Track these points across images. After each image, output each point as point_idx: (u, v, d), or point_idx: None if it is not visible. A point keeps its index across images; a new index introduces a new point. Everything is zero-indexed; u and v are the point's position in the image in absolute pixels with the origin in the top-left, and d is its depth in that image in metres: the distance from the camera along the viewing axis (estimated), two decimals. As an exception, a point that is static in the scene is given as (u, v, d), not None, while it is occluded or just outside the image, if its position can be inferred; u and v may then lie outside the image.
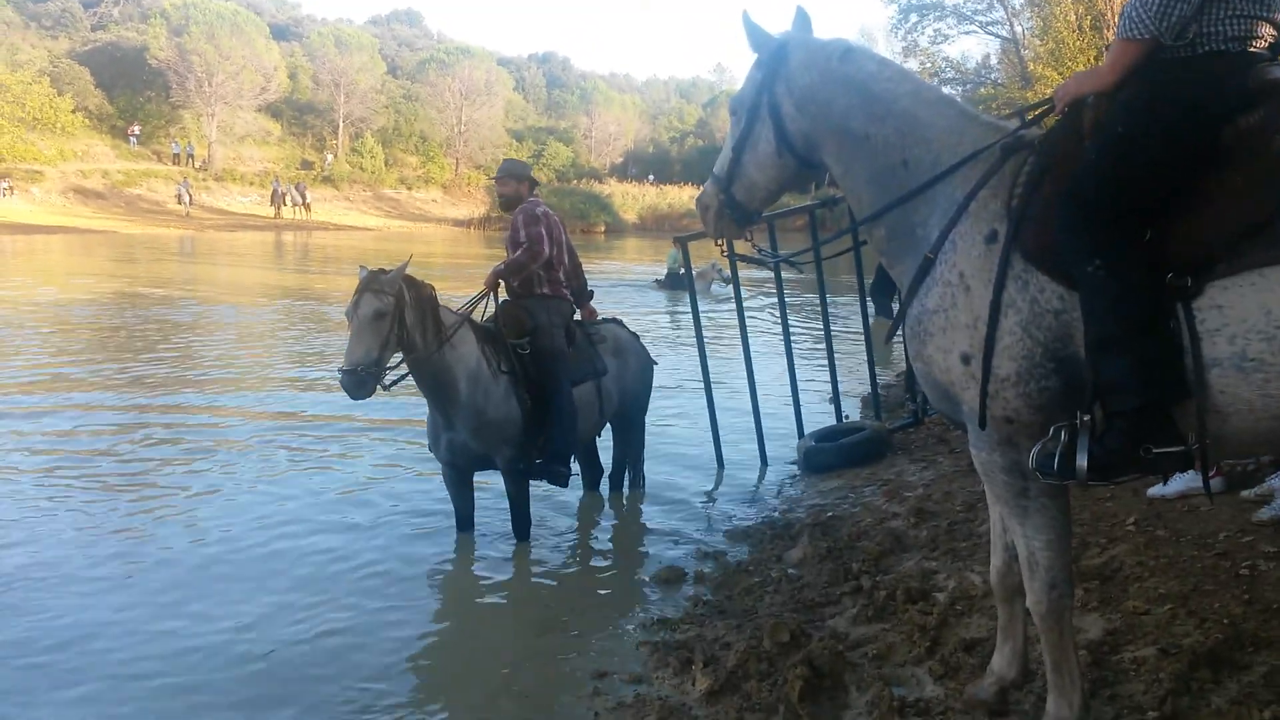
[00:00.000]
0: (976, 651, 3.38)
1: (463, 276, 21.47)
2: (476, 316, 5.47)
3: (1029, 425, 2.41)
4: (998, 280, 2.38)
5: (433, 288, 5.17)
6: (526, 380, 5.37)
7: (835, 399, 7.72)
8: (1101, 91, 2.41)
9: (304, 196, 44.11)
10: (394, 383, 5.02)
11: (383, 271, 4.92)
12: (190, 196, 41.68)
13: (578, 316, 5.98)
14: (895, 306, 9.58)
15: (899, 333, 2.74)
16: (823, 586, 4.39)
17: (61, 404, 8.60)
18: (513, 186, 5.69)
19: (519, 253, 5.45)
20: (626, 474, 6.45)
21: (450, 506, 5.56)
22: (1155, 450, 2.23)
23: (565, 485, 5.59)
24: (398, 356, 4.98)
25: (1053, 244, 2.34)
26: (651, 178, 58.64)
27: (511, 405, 5.27)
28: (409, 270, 5.02)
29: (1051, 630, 2.56)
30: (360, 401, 4.92)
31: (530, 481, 5.49)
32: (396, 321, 4.83)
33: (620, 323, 6.47)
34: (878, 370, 8.14)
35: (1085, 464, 2.27)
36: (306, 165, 51.76)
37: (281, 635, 4.26)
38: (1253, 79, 2.28)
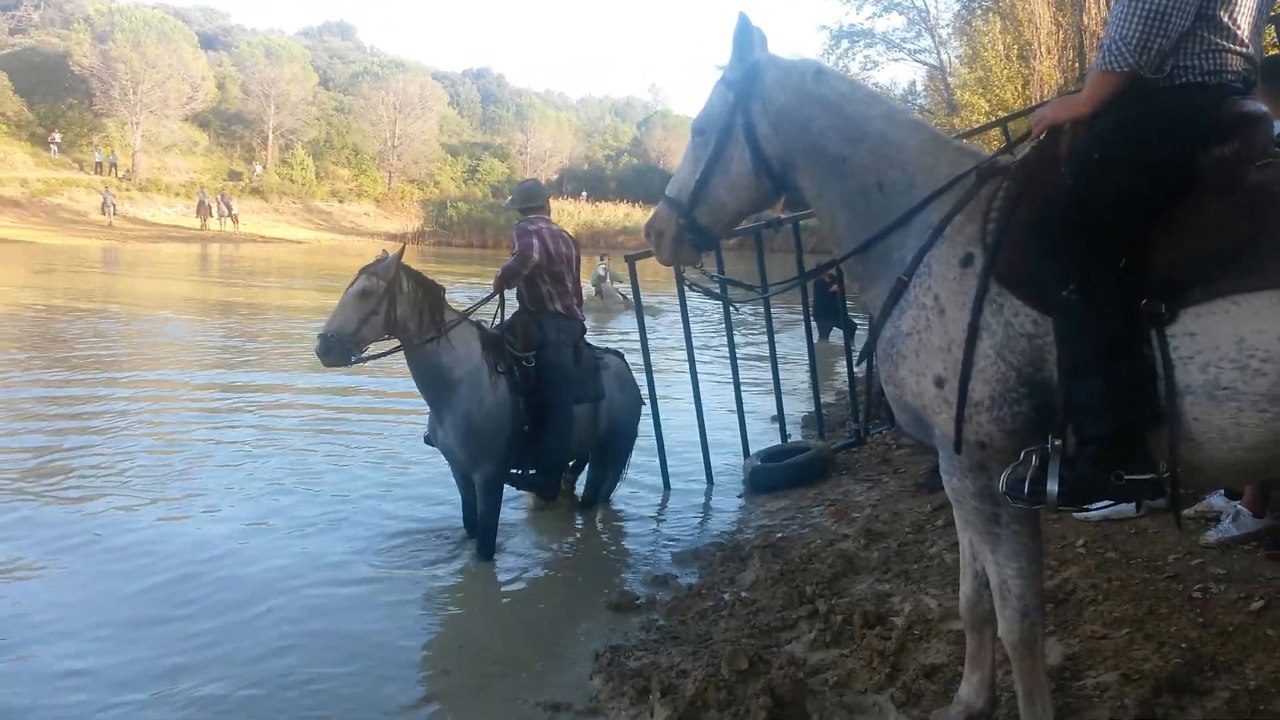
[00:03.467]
0: (937, 677, 3.35)
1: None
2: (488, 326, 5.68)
3: (1001, 451, 2.39)
4: (975, 304, 2.36)
5: (441, 286, 5.41)
6: (525, 392, 5.48)
7: (780, 418, 7.72)
8: (1078, 119, 2.41)
9: (230, 208, 43.03)
10: (364, 359, 5.21)
11: (382, 259, 5.24)
12: (114, 206, 40.41)
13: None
14: (834, 329, 9.74)
15: (858, 356, 2.71)
16: (777, 610, 4.34)
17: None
18: (513, 215, 6.03)
19: (511, 259, 5.68)
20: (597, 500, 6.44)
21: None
22: (1127, 476, 2.22)
23: (552, 499, 5.74)
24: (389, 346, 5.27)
25: (1027, 268, 2.33)
26: (586, 195, 58.58)
27: (504, 416, 5.35)
28: (417, 271, 5.35)
29: (1024, 659, 2.54)
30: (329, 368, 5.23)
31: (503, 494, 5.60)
32: (384, 303, 5.09)
33: (621, 355, 6.55)
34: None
35: (1056, 489, 2.25)
36: (234, 176, 50.62)
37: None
38: (1226, 111, 2.31)
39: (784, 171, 2.74)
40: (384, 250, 5.41)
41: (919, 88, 37.85)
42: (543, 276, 5.73)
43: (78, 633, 4.37)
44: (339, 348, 5.03)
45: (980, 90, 23.99)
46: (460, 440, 5.30)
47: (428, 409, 5.58)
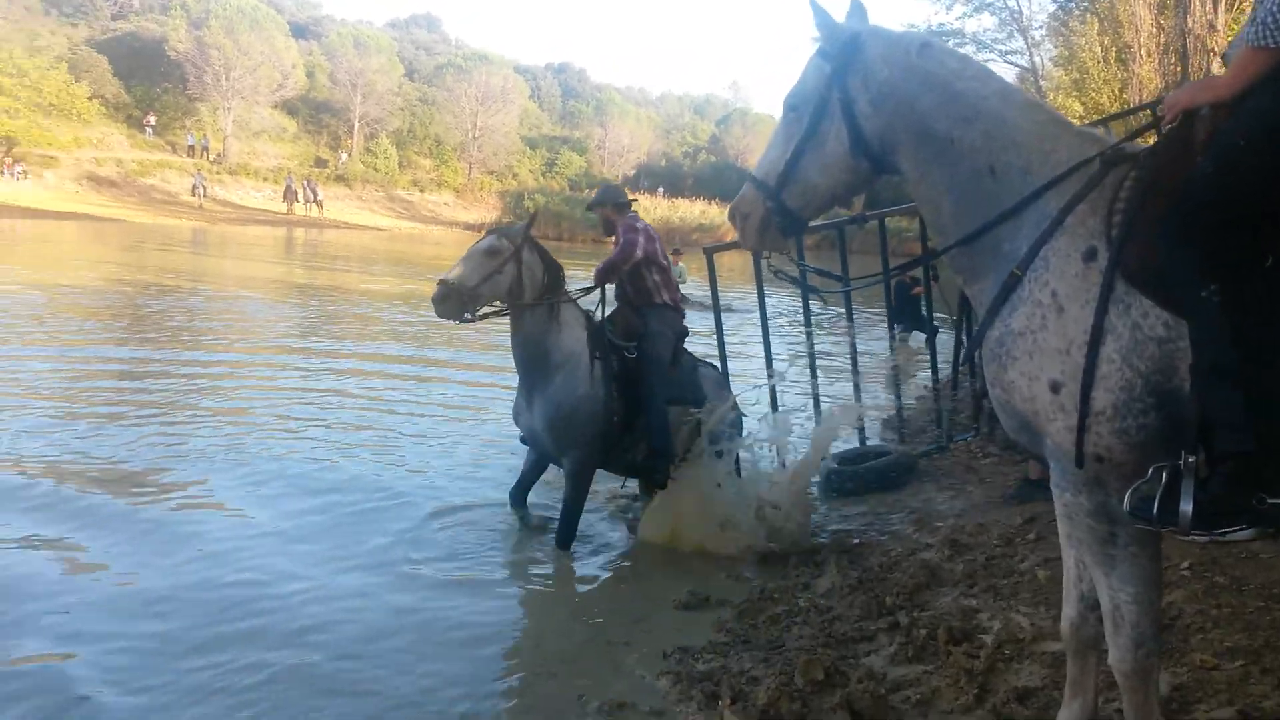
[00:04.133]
0: (1031, 702, 3.14)
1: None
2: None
3: (1122, 465, 2.18)
4: (1099, 303, 2.16)
5: (561, 265, 5.43)
6: (622, 382, 5.41)
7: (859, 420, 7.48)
8: (1220, 103, 2.19)
9: (316, 193, 44.02)
10: (473, 320, 5.16)
11: (514, 225, 5.29)
12: (205, 189, 41.62)
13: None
14: (914, 332, 9.44)
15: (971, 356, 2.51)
16: (855, 620, 4.15)
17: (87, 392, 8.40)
18: (601, 212, 5.94)
19: (614, 253, 5.67)
20: None
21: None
22: (1270, 500, 2.00)
23: (664, 485, 5.58)
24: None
25: (1160, 266, 2.12)
26: (662, 191, 58.49)
27: (596, 406, 5.26)
28: (542, 245, 5.39)
29: (1136, 690, 2.33)
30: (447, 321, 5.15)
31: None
32: (508, 265, 5.09)
33: (715, 368, 6.38)
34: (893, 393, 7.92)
35: (1190, 511, 2.04)
36: (321, 163, 51.74)
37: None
38: None
39: (884, 152, 2.54)
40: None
41: (1010, 90, 36.82)
42: (650, 268, 5.69)
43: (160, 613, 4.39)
44: (456, 299, 5.01)
45: (1075, 93, 23.20)
46: (547, 425, 5.23)
47: (516, 387, 5.53)
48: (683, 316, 5.92)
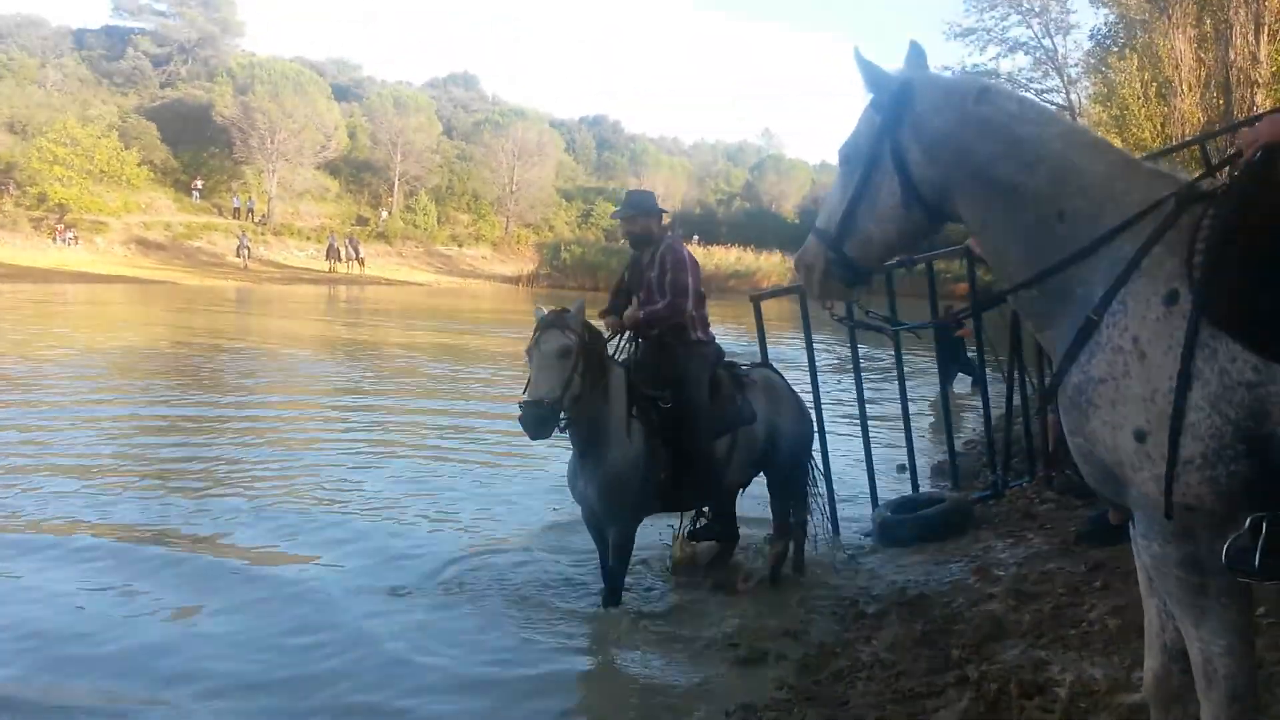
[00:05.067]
0: (1112, 759, 3.02)
1: (511, 329, 21.51)
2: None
3: (1212, 514, 2.11)
4: (1185, 348, 2.09)
5: (603, 335, 5.09)
6: (664, 436, 5.06)
7: (911, 467, 7.36)
8: None
9: (358, 251, 44.75)
10: (568, 424, 4.81)
11: (565, 310, 4.83)
12: (249, 250, 42.50)
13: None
14: (958, 374, 9.20)
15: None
16: (921, 675, 4.04)
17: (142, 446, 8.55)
18: (641, 224, 5.35)
19: (662, 306, 5.19)
20: (792, 531, 5.80)
21: None
22: None
23: (735, 539, 5.49)
24: None
25: (1248, 307, 2.06)
26: (697, 238, 58.74)
27: (644, 466, 4.98)
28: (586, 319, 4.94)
29: (1233, 749, 2.22)
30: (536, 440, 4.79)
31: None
32: (581, 361, 4.69)
33: (773, 368, 6.11)
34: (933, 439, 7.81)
35: None
36: (362, 221, 52.64)
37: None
38: None
39: (940, 201, 2.49)
40: (539, 308, 5.01)
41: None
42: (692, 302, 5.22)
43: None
44: (551, 417, 4.62)
45: (1116, 129, 23.05)
46: (599, 493, 4.98)
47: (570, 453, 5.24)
48: (716, 346, 5.48)
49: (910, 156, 2.48)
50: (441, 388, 13.78)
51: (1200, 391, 2.08)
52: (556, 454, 6.29)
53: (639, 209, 5.40)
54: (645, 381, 5.19)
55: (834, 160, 2.74)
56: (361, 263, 44.46)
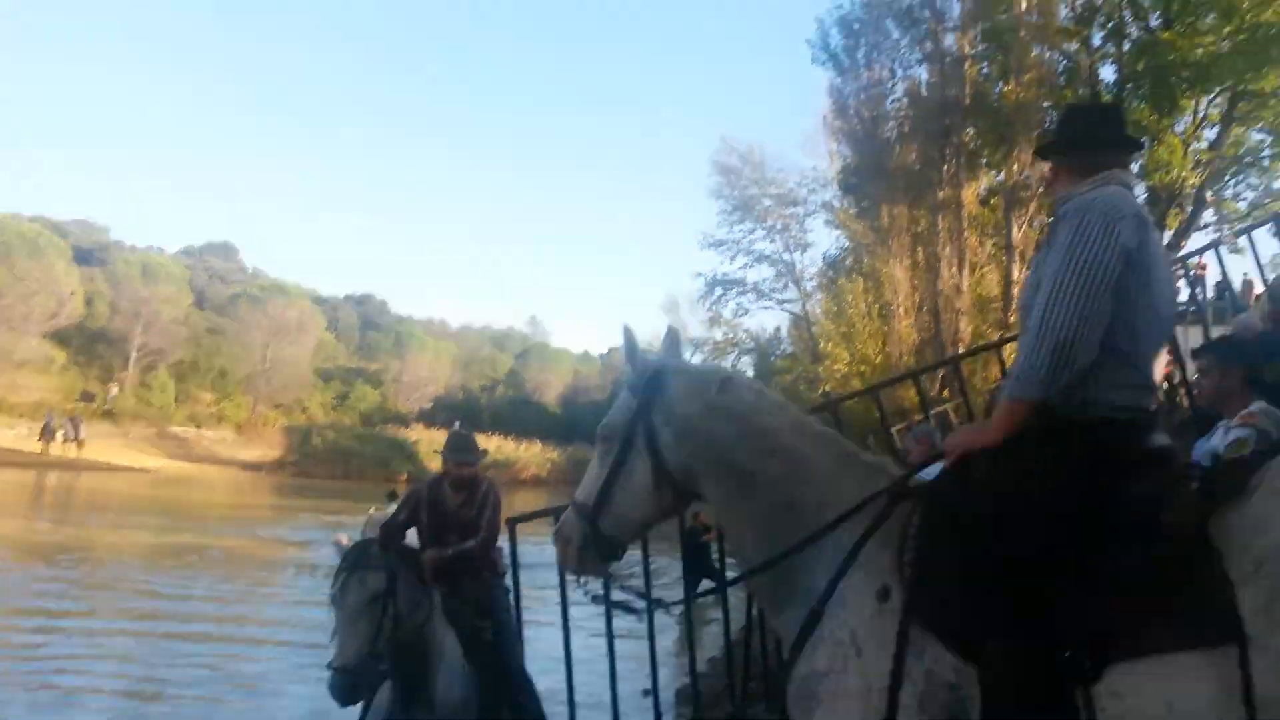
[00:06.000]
0: None
1: (244, 527, 19.85)
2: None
3: None
4: (898, 647, 2.11)
5: (416, 552, 4.75)
6: (486, 666, 4.74)
7: (654, 694, 7.06)
8: (990, 446, 2.26)
9: (78, 431, 40.69)
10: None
11: (369, 542, 4.39)
12: (-57, 427, 37.72)
13: None
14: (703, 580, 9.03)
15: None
16: None
17: None
18: (475, 468, 5.35)
19: (481, 539, 5.08)
20: None
21: None
22: None
23: None
24: None
25: (948, 612, 2.12)
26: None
27: (475, 699, 4.57)
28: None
29: None
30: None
31: None
32: (391, 600, 4.19)
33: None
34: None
35: None
36: (87, 397, 48.26)
37: None
38: (1139, 447, 2.23)
39: (688, 481, 2.60)
40: (337, 540, 4.64)
41: (783, 334, 39.92)
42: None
43: None
44: (364, 679, 4.10)
45: (844, 343, 25.26)
46: None
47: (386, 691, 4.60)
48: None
49: (661, 439, 2.59)
50: (157, 605, 12.32)
51: (909, 691, 2.10)
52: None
53: (476, 453, 5.46)
54: (471, 613, 4.95)
55: (596, 351, 2.84)
56: (80, 444, 40.38)
